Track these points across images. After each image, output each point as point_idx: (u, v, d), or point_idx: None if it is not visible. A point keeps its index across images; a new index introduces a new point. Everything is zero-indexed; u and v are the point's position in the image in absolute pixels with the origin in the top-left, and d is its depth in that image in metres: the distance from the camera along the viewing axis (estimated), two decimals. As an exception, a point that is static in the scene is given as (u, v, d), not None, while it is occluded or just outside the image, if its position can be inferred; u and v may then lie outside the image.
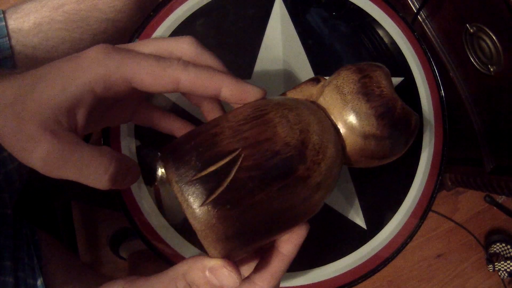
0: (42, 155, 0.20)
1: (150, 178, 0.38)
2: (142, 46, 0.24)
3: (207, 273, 0.22)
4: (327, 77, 0.31)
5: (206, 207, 0.21)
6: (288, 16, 0.44)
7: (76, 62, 0.21)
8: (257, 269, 0.24)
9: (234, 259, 0.23)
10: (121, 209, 0.37)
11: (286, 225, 0.23)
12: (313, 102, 0.29)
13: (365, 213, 0.41)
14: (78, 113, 0.21)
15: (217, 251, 0.22)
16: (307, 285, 0.39)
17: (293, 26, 0.44)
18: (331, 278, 0.39)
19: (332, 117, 0.28)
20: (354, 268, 0.40)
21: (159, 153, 0.39)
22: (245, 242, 0.22)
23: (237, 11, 0.44)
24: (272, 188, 0.21)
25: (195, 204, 0.21)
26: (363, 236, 0.41)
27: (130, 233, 0.88)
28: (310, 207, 0.24)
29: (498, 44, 0.56)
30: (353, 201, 0.41)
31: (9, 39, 0.39)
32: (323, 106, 0.28)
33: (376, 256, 0.40)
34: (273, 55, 0.43)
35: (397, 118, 0.27)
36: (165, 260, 0.37)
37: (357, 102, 0.27)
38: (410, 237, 0.41)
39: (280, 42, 0.44)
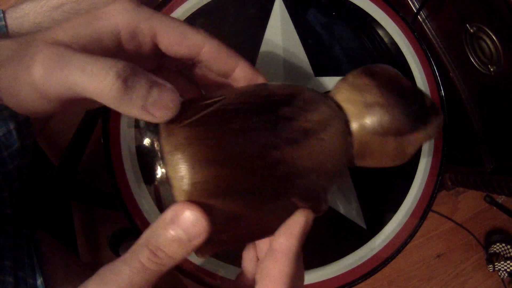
0: (43, 58, 0.18)
1: (150, 178, 0.38)
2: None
3: (170, 230, 0.18)
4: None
5: (178, 129, 0.19)
6: (288, 16, 0.44)
7: (105, 9, 0.20)
8: (259, 273, 0.23)
9: (218, 234, 0.20)
10: (121, 209, 0.37)
11: (270, 173, 0.20)
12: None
13: (365, 213, 0.41)
14: (95, 52, 0.19)
15: (184, 190, 0.18)
16: (307, 285, 0.39)
17: (293, 26, 0.44)
18: (331, 278, 0.39)
19: (342, 102, 0.25)
20: (354, 268, 0.40)
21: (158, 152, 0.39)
22: (221, 185, 0.19)
23: (237, 11, 0.44)
24: (253, 119, 0.20)
25: (167, 130, 0.19)
26: (363, 236, 0.41)
27: (130, 233, 0.88)
28: (299, 157, 0.21)
29: (498, 44, 0.56)
30: (353, 201, 0.41)
31: (9, 39, 0.39)
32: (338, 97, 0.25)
33: (376, 256, 0.40)
34: (273, 55, 0.43)
35: (424, 113, 0.25)
36: (165, 260, 0.37)
37: (367, 94, 0.24)
38: (410, 237, 0.41)
39: (280, 42, 0.44)
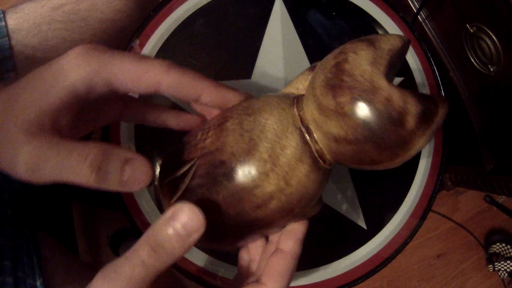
0: (26, 159, 0.19)
1: (150, 178, 0.38)
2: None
3: (169, 226, 0.20)
4: None
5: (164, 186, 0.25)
6: (288, 16, 0.44)
7: (58, 67, 0.21)
8: (264, 269, 0.25)
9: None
10: (121, 209, 0.37)
11: (245, 231, 0.24)
12: (299, 98, 0.25)
13: (365, 213, 0.41)
14: (62, 116, 0.21)
15: None
16: (307, 285, 0.39)
17: (293, 26, 0.44)
18: (331, 278, 0.39)
19: (307, 115, 0.23)
20: (354, 268, 0.40)
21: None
22: (208, 243, 0.24)
23: (237, 11, 0.44)
24: (219, 195, 0.23)
25: (164, 202, 0.25)
26: (363, 236, 0.41)
27: (130, 233, 0.88)
28: (268, 216, 0.23)
29: (498, 44, 0.56)
30: (353, 201, 0.41)
31: (9, 39, 0.39)
32: (302, 104, 0.24)
33: (376, 256, 0.40)
34: (273, 55, 0.43)
35: (376, 117, 0.20)
36: (165, 260, 0.37)
37: (324, 98, 0.22)
38: (410, 237, 0.41)
39: (280, 42, 0.44)
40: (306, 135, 0.23)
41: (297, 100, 0.25)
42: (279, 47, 0.43)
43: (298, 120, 0.23)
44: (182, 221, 0.20)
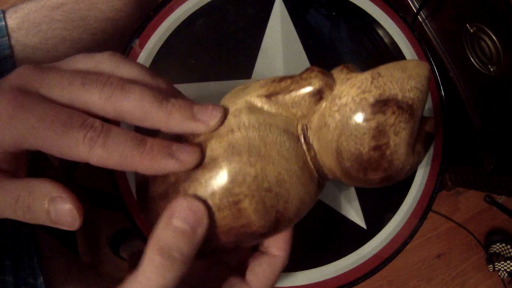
0: None
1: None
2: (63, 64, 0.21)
3: (171, 225, 0.19)
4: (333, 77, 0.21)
5: None
6: (288, 16, 0.44)
7: None
8: (250, 270, 0.24)
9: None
10: (121, 209, 0.37)
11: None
12: (305, 133, 0.21)
13: (365, 213, 0.41)
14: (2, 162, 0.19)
15: None
16: (307, 285, 0.39)
17: (293, 26, 0.44)
18: (331, 278, 0.39)
19: (324, 169, 0.22)
20: (354, 268, 0.40)
21: None
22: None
23: (237, 11, 0.44)
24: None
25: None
26: (363, 236, 0.41)
27: (130, 233, 0.88)
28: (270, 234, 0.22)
29: (498, 44, 0.56)
30: (353, 201, 0.41)
31: (9, 38, 0.39)
32: (311, 142, 0.21)
33: (376, 256, 0.40)
34: (273, 55, 0.43)
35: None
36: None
37: (353, 171, 0.21)
38: (410, 237, 0.41)
39: (280, 42, 0.44)
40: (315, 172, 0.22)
41: (304, 138, 0.21)
42: (279, 47, 0.43)
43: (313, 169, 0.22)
44: (183, 217, 0.19)
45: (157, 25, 0.42)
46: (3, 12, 0.40)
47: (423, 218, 0.42)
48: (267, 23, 0.44)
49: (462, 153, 0.77)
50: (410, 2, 0.73)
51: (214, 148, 0.20)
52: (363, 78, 0.20)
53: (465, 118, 0.70)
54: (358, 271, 0.40)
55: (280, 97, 0.20)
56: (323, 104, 0.20)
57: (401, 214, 0.42)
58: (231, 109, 0.21)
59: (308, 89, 0.20)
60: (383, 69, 0.20)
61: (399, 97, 0.19)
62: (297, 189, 0.21)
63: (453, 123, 0.45)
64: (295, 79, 0.21)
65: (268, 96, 0.21)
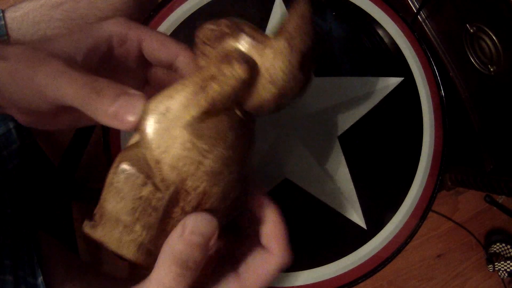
0: (44, 73, 0.21)
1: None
2: None
3: (186, 239, 0.20)
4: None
5: None
6: (288, 16, 0.44)
7: (101, 22, 0.25)
8: (244, 263, 0.24)
9: None
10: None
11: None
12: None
13: (365, 213, 0.41)
14: (93, 58, 0.23)
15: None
16: (308, 285, 0.39)
17: (293, 26, 0.44)
18: (331, 278, 0.39)
19: None
20: (354, 268, 0.40)
21: None
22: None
23: (237, 11, 0.44)
24: None
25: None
26: (363, 236, 0.41)
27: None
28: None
29: (498, 44, 0.56)
30: (353, 201, 0.41)
31: (8, 37, 0.39)
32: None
33: (376, 256, 0.40)
34: (273, 54, 0.43)
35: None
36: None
37: None
38: (410, 237, 0.41)
39: (280, 41, 0.44)
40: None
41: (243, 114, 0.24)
42: (279, 47, 0.43)
43: None
44: (197, 229, 0.20)
45: (157, 25, 0.42)
46: (3, 11, 0.40)
47: (423, 218, 0.42)
48: (267, 23, 0.44)
49: (462, 153, 0.77)
50: (410, 2, 0.73)
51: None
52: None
53: (465, 118, 0.70)
54: (358, 271, 0.40)
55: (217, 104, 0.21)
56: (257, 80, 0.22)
57: (401, 214, 0.42)
58: (180, 147, 0.20)
59: (238, 82, 0.21)
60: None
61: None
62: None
63: (453, 123, 0.45)
64: (218, 81, 0.21)
65: (204, 113, 0.20)
